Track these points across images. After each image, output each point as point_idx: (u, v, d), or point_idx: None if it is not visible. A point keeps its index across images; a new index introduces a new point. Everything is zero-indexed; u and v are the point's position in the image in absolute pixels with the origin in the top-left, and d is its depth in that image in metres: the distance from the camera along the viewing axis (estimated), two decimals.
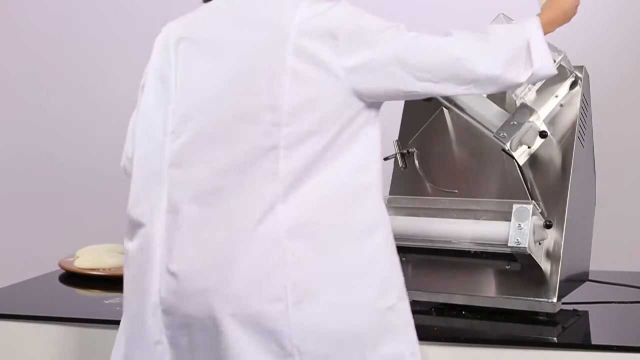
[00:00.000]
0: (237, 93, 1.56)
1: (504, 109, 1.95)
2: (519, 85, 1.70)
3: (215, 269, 1.51)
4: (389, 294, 1.58)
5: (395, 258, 1.62)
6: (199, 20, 1.68)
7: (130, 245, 1.63)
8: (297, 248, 1.51)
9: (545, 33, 1.71)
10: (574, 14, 1.81)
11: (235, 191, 1.52)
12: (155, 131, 1.62)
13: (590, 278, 2.16)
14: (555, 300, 1.87)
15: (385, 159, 2.09)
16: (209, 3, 1.69)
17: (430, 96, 1.68)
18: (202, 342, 1.52)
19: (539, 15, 1.75)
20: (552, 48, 1.96)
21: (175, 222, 1.55)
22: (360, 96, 1.56)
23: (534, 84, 1.91)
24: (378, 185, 1.59)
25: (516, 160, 1.93)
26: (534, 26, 1.69)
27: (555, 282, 1.87)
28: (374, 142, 1.60)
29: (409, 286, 2.01)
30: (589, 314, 1.99)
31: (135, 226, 1.62)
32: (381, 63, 1.55)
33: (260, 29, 1.57)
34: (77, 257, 2.54)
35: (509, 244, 1.83)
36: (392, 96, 1.61)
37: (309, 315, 1.50)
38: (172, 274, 1.54)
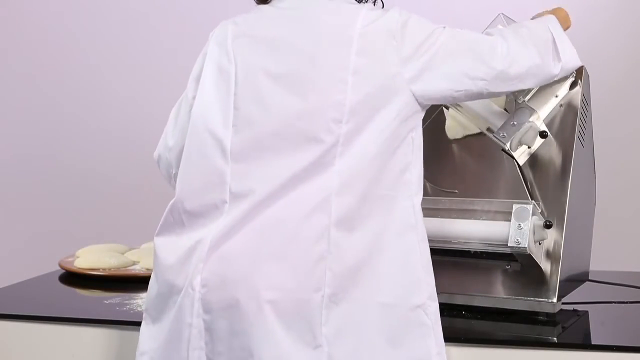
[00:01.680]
0: (300, 91, 1.60)
1: (504, 109, 1.95)
2: (554, 77, 1.79)
3: (266, 255, 1.54)
4: (420, 293, 1.61)
5: (427, 258, 1.66)
6: (257, 19, 1.71)
7: (162, 239, 1.67)
8: (340, 240, 1.55)
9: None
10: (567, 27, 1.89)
11: (295, 185, 1.56)
12: (215, 124, 1.64)
13: (590, 278, 2.16)
14: (555, 300, 1.87)
15: None
16: (267, 5, 1.72)
17: (482, 97, 1.74)
18: (241, 327, 1.53)
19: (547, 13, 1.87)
20: None
21: (233, 213, 1.57)
22: (417, 98, 1.63)
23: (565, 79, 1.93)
24: (417, 187, 1.65)
25: (516, 160, 1.93)
26: (553, 22, 1.79)
27: (555, 282, 1.87)
28: (418, 145, 1.67)
29: None
30: (589, 314, 1.99)
31: (192, 216, 1.63)
32: (436, 64, 1.63)
33: (322, 32, 1.63)
34: (77, 257, 2.54)
35: (509, 244, 1.83)
36: (447, 97, 1.68)
37: (341, 309, 1.53)
38: (222, 257, 1.55)
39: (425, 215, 1.96)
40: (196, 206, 1.63)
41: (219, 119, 1.64)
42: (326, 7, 1.67)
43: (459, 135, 2.02)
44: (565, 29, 1.84)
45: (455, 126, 2.03)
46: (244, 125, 1.62)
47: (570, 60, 1.79)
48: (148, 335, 1.68)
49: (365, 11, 1.64)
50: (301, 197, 1.56)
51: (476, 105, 1.96)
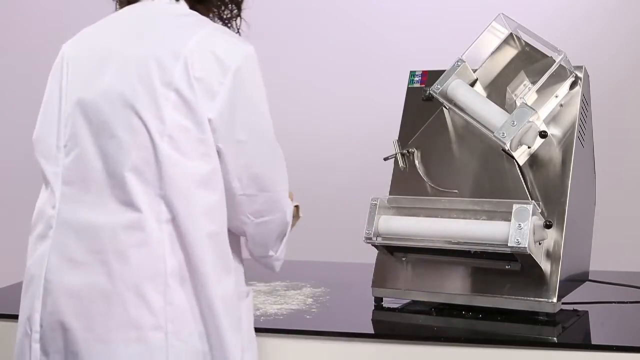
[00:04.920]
0: (121, 113, 1.47)
1: (504, 109, 1.95)
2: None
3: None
4: None
5: None
6: (92, 32, 1.65)
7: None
8: None
9: None
10: None
11: None
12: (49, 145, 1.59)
13: (590, 278, 2.16)
14: (555, 300, 1.87)
15: (385, 159, 2.09)
16: (110, 15, 1.64)
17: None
18: None
19: None
20: (552, 48, 1.97)
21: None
22: None
23: None
24: None
25: (516, 160, 1.93)
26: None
27: (555, 282, 1.87)
28: None
29: (410, 286, 2.01)
30: (589, 314, 1.99)
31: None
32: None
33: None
34: None
35: (509, 244, 1.83)
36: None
37: None
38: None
39: (425, 215, 1.97)
40: (36, 229, 1.62)
41: (53, 140, 1.60)
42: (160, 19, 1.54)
43: None
44: None
45: None
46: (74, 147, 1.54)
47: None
48: None
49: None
50: None
51: (476, 105, 1.96)
